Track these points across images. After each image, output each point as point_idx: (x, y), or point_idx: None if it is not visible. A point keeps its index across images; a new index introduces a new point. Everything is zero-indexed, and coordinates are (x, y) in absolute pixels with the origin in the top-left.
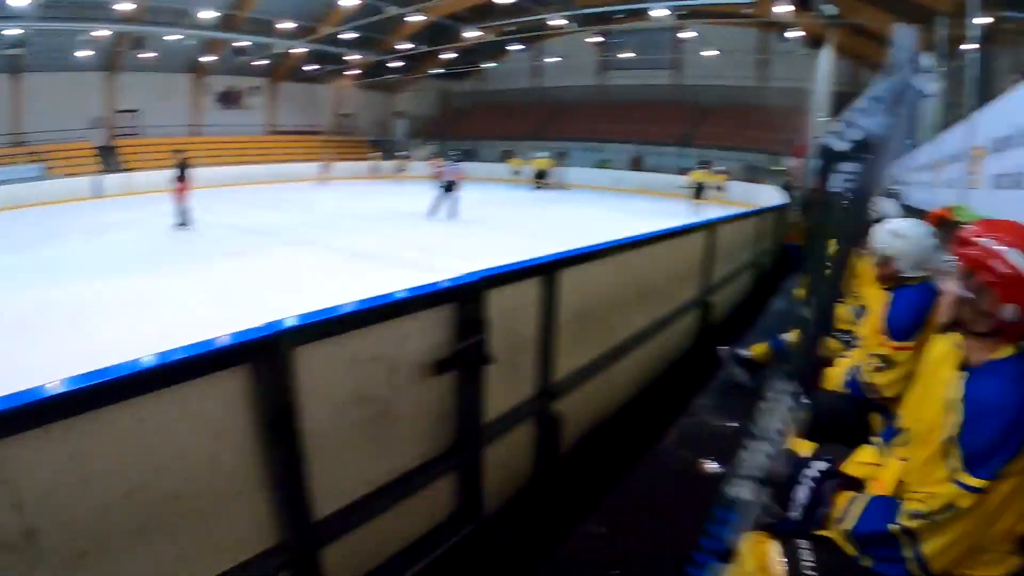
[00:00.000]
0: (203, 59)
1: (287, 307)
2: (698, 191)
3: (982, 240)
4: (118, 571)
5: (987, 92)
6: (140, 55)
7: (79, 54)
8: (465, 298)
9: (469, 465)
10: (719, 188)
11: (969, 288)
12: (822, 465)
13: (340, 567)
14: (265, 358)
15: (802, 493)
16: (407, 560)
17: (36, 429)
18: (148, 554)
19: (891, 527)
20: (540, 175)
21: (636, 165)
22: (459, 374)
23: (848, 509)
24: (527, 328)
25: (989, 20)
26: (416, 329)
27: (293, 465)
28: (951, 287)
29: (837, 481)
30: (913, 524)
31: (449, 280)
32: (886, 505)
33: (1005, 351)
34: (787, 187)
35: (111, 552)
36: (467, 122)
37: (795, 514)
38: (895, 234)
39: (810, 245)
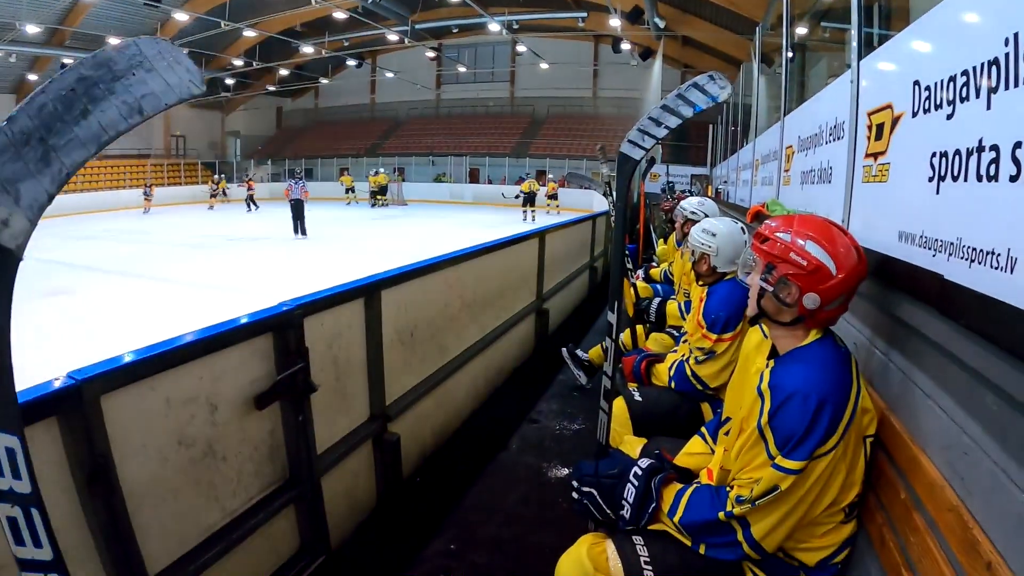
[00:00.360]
0: (27, 77)
1: (118, 347)
2: (530, 200)
3: (779, 235)
4: None
5: (803, 96)
6: None
7: None
8: (283, 327)
9: (308, 498)
10: (551, 196)
11: (770, 281)
12: (646, 462)
13: None
14: (70, 411)
15: (629, 491)
16: None
17: None
18: None
19: (720, 515)
20: (379, 191)
21: (474, 178)
22: (284, 406)
23: (676, 501)
24: (353, 352)
25: (805, 31)
26: (233, 364)
27: (118, 521)
28: (754, 281)
29: (664, 475)
30: (739, 510)
31: (264, 310)
32: (712, 493)
33: (810, 338)
34: (606, 194)
35: None
36: (302, 140)
37: (625, 512)
38: (708, 232)
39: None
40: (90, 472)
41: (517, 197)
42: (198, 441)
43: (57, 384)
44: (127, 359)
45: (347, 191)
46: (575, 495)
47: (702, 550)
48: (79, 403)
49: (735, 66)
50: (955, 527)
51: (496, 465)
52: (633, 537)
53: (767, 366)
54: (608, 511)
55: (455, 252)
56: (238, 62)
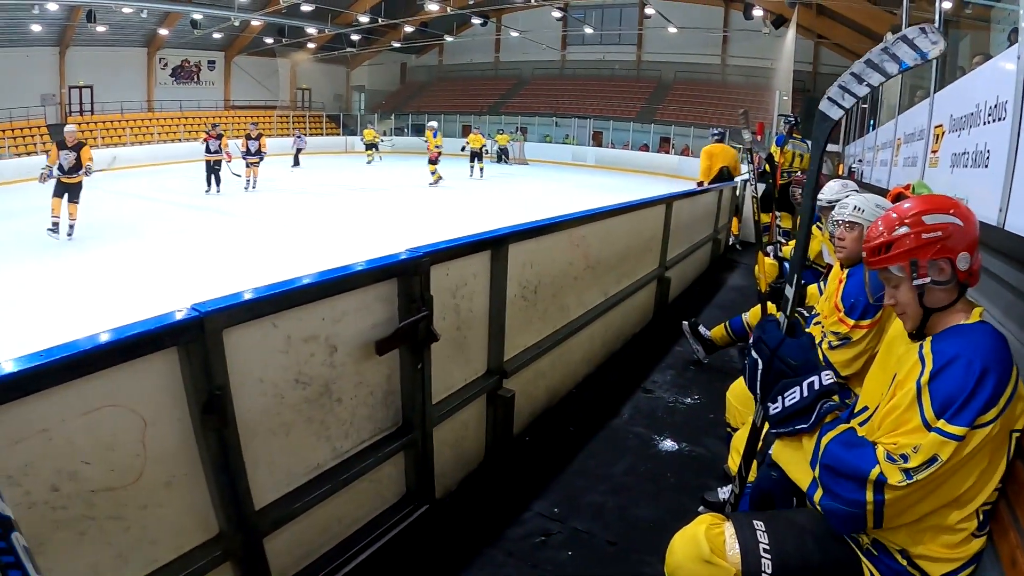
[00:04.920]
0: (158, 31)
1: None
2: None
3: (896, 233)
4: (54, 571)
5: (946, 73)
6: (92, 29)
7: (31, 28)
8: (408, 273)
9: (418, 446)
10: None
11: (923, 273)
12: (828, 377)
13: (286, 554)
14: (192, 341)
15: (792, 395)
16: (356, 545)
17: None
18: (82, 553)
19: (872, 472)
20: (501, 151)
21: (597, 141)
22: (403, 352)
23: (831, 426)
24: (476, 304)
25: (950, 5)
26: (356, 307)
27: (229, 451)
28: (903, 294)
29: (834, 405)
30: (890, 470)
31: (390, 256)
32: (872, 448)
33: (973, 318)
34: (750, 161)
35: (42, 552)
36: (426, 96)
37: (772, 409)
38: (883, 208)
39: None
40: (206, 402)
41: (463, 150)
42: (315, 380)
43: (179, 316)
44: (250, 296)
45: (368, 148)
46: (749, 350)
47: (817, 496)
48: (200, 334)
49: (871, 39)
50: None
51: (606, 432)
52: (754, 522)
53: (924, 340)
54: (759, 391)
55: (582, 212)
56: (364, 18)
